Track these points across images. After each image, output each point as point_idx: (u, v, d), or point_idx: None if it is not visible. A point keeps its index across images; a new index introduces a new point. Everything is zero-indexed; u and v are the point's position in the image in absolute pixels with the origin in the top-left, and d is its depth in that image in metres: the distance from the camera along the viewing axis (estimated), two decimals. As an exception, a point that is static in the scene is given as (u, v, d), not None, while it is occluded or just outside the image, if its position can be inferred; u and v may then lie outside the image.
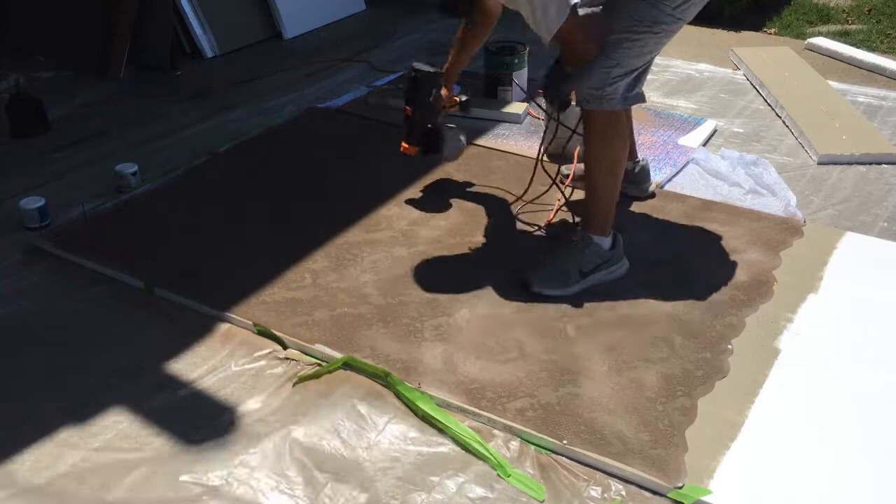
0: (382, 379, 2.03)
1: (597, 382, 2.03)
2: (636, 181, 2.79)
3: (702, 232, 2.64)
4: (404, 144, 2.72)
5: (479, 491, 1.76)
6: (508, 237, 2.63)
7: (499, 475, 1.79)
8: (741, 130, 3.43)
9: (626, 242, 2.42)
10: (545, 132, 2.71)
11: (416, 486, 1.77)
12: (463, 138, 2.84)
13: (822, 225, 2.71)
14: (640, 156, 2.82)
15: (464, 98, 2.86)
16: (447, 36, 4.50)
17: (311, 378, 2.06)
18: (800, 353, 2.13)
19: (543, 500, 1.74)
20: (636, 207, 2.77)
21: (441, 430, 1.90)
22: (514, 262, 2.49)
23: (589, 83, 2.22)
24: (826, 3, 5.06)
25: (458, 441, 1.87)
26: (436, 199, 2.84)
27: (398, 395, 1.99)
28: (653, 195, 2.83)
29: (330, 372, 2.08)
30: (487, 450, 1.84)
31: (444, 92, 2.74)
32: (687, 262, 2.50)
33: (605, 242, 2.37)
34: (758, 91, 3.80)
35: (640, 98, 2.32)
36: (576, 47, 2.20)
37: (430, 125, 2.71)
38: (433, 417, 1.92)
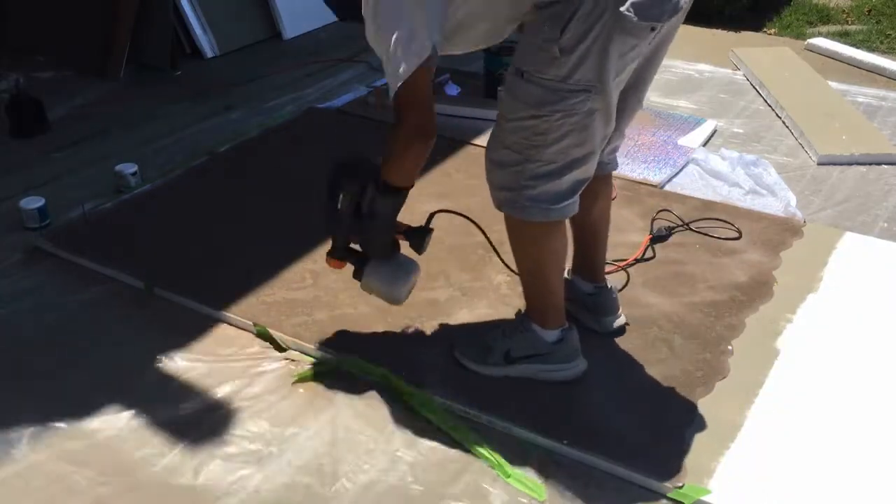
0: (380, 380, 2.03)
1: (597, 383, 2.03)
2: (594, 310, 2.17)
3: (702, 232, 2.64)
4: (327, 257, 2.07)
5: (479, 491, 1.76)
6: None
7: (498, 475, 1.79)
8: (741, 131, 3.43)
9: (626, 243, 2.40)
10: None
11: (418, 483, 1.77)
12: (411, 279, 2.07)
13: (822, 225, 2.71)
14: (609, 282, 2.20)
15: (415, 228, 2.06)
16: (447, 36, 4.52)
17: (309, 378, 2.06)
18: (800, 353, 2.13)
19: (544, 500, 1.74)
20: (636, 208, 2.77)
21: (440, 430, 1.90)
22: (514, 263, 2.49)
23: (497, 177, 1.83)
24: (826, 3, 5.07)
25: (457, 441, 1.87)
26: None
27: (398, 397, 1.99)
28: (620, 331, 2.18)
29: (328, 372, 2.08)
30: (487, 450, 1.83)
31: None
32: (687, 262, 2.50)
33: (549, 335, 1.99)
34: (758, 91, 3.80)
35: (571, 210, 1.84)
36: (410, 118, 1.74)
37: (346, 241, 2.03)
38: (432, 418, 1.92)
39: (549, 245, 1.89)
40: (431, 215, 2.10)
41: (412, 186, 1.86)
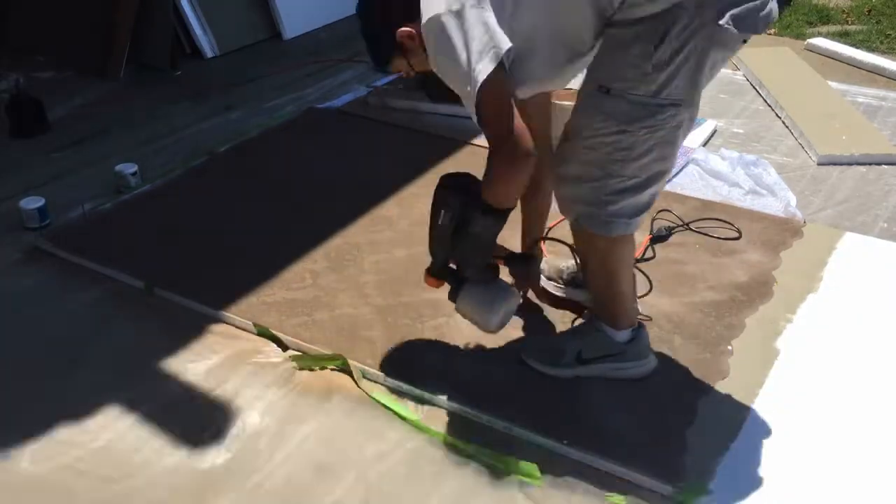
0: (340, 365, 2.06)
1: (597, 383, 2.02)
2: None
3: (701, 232, 2.64)
4: (425, 273, 2.02)
5: (476, 489, 1.76)
6: (509, 238, 2.63)
7: (494, 465, 1.80)
8: (741, 131, 3.43)
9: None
10: None
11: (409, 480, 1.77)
12: (503, 308, 1.98)
13: (822, 225, 2.71)
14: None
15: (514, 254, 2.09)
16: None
17: (308, 370, 2.08)
18: (800, 353, 2.13)
19: (540, 482, 1.75)
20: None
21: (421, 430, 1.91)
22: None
23: (577, 193, 1.79)
24: (826, 3, 5.07)
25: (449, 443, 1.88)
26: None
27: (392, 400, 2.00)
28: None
29: (328, 371, 2.08)
30: (478, 447, 1.84)
31: None
32: (687, 262, 2.50)
33: (621, 335, 1.99)
34: (758, 91, 3.80)
35: (642, 221, 1.83)
36: (499, 138, 1.65)
37: (446, 260, 1.98)
38: (396, 414, 1.94)
39: (624, 256, 1.87)
40: (535, 241, 2.09)
41: (513, 208, 1.79)
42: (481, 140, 3.29)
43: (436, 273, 1.98)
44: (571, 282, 2.21)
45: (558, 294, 2.22)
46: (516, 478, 1.78)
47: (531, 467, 1.78)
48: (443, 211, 1.86)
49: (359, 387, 2.03)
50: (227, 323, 2.27)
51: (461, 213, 1.82)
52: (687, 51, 1.60)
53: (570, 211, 1.84)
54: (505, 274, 2.08)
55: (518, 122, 1.63)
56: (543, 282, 2.23)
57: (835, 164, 3.11)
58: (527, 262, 2.01)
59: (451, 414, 1.95)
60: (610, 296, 1.95)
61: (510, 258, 2.01)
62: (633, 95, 1.64)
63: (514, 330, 2.20)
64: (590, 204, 1.78)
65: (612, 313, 1.97)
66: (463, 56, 1.59)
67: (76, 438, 1.90)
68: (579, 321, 2.18)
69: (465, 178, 1.88)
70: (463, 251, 1.90)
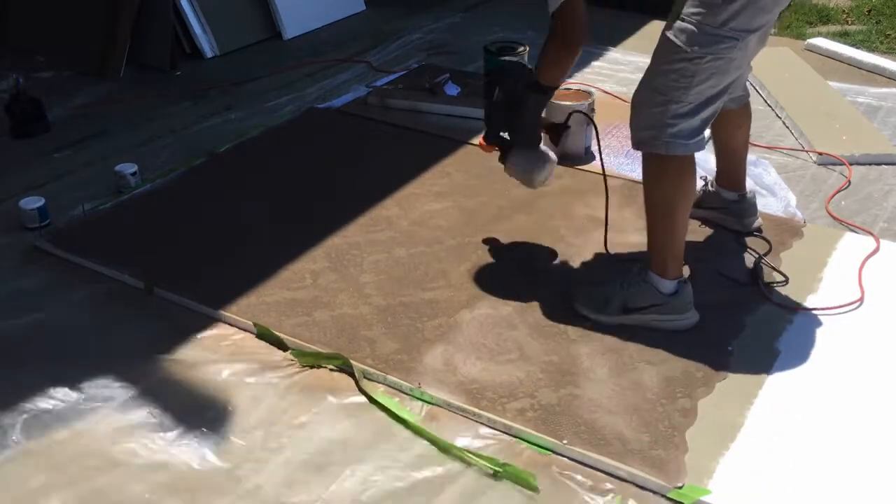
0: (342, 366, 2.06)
1: (597, 383, 2.03)
2: (738, 214, 2.57)
3: (702, 232, 2.64)
4: (481, 139, 2.40)
5: (477, 490, 1.76)
6: (508, 237, 2.63)
7: (492, 469, 1.79)
8: (741, 131, 3.42)
9: (625, 243, 2.40)
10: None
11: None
12: (547, 167, 2.32)
13: (822, 225, 2.71)
14: (748, 188, 2.59)
15: (566, 124, 2.51)
16: (447, 36, 4.52)
17: (308, 369, 2.09)
18: (800, 353, 2.13)
19: (537, 489, 1.74)
20: (636, 208, 2.77)
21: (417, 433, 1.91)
22: (514, 262, 2.49)
23: (642, 119, 2.07)
24: (826, 3, 5.06)
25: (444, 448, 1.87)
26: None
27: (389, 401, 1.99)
28: (759, 230, 2.57)
29: (327, 370, 2.08)
30: (471, 453, 1.83)
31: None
32: (687, 262, 2.49)
33: (666, 286, 2.15)
34: (758, 91, 3.79)
35: (702, 145, 2.08)
36: (563, 32, 2.05)
37: (499, 130, 2.34)
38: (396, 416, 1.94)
39: (683, 183, 2.10)
40: (570, 115, 2.55)
41: (558, 87, 2.21)
42: (480, 140, 3.29)
43: (490, 140, 2.35)
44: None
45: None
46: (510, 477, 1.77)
47: (528, 475, 1.77)
48: (497, 89, 2.25)
49: (359, 387, 2.03)
50: (226, 323, 2.27)
51: (513, 91, 2.22)
52: None
53: (637, 140, 2.10)
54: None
55: (580, 25, 2.04)
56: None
57: (835, 164, 3.11)
58: (563, 131, 2.48)
59: (451, 414, 1.96)
60: (665, 234, 2.14)
61: (550, 127, 2.43)
62: (703, 24, 1.92)
63: (514, 329, 2.20)
64: (654, 128, 2.04)
65: (664, 259, 2.15)
66: None
67: (75, 437, 1.90)
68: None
69: (514, 64, 2.31)
70: (515, 121, 2.27)
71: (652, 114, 2.04)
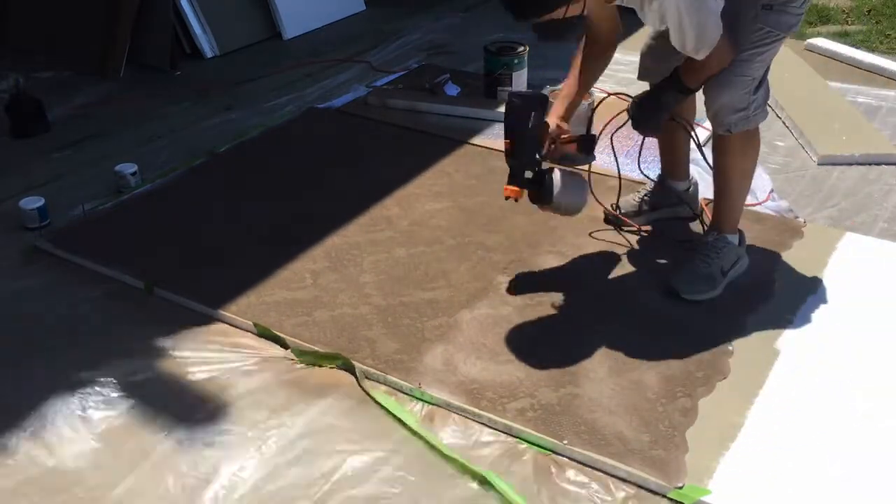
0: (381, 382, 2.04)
1: (597, 383, 2.03)
2: (690, 200, 2.67)
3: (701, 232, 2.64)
4: (506, 186, 2.22)
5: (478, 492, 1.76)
6: (508, 237, 2.63)
7: (485, 481, 1.78)
8: (741, 131, 3.42)
9: (626, 243, 2.41)
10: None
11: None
12: (583, 192, 2.30)
13: (822, 225, 2.71)
14: (692, 176, 2.69)
15: (589, 135, 2.41)
16: (447, 36, 4.52)
17: (308, 367, 2.09)
18: (800, 353, 2.13)
19: None
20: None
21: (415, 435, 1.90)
22: (514, 262, 2.49)
23: (731, 106, 2.16)
24: (826, 3, 5.06)
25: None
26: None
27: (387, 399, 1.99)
28: (697, 216, 2.64)
29: (326, 370, 2.08)
30: (467, 463, 1.82)
31: (555, 123, 2.29)
32: (673, 264, 2.49)
33: (736, 239, 2.38)
34: (758, 91, 3.79)
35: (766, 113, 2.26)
36: (714, 62, 2.08)
37: (530, 162, 2.21)
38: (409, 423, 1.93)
39: (758, 147, 2.32)
40: (596, 129, 2.46)
41: (698, 90, 2.22)
42: (480, 140, 3.30)
43: (520, 183, 2.21)
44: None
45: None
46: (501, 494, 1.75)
47: (520, 499, 1.74)
48: (533, 114, 2.16)
49: (361, 387, 2.03)
50: (226, 323, 2.27)
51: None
52: None
53: (724, 125, 2.20)
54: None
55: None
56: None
57: (835, 164, 3.11)
58: (595, 141, 2.39)
59: (451, 414, 1.96)
60: (741, 196, 2.35)
61: (581, 140, 2.34)
62: (789, 8, 2.11)
63: (514, 329, 2.20)
64: (743, 108, 2.17)
65: (737, 218, 2.36)
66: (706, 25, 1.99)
67: (74, 437, 1.90)
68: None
69: (534, 95, 2.28)
70: (535, 148, 2.21)
71: (741, 97, 2.16)
